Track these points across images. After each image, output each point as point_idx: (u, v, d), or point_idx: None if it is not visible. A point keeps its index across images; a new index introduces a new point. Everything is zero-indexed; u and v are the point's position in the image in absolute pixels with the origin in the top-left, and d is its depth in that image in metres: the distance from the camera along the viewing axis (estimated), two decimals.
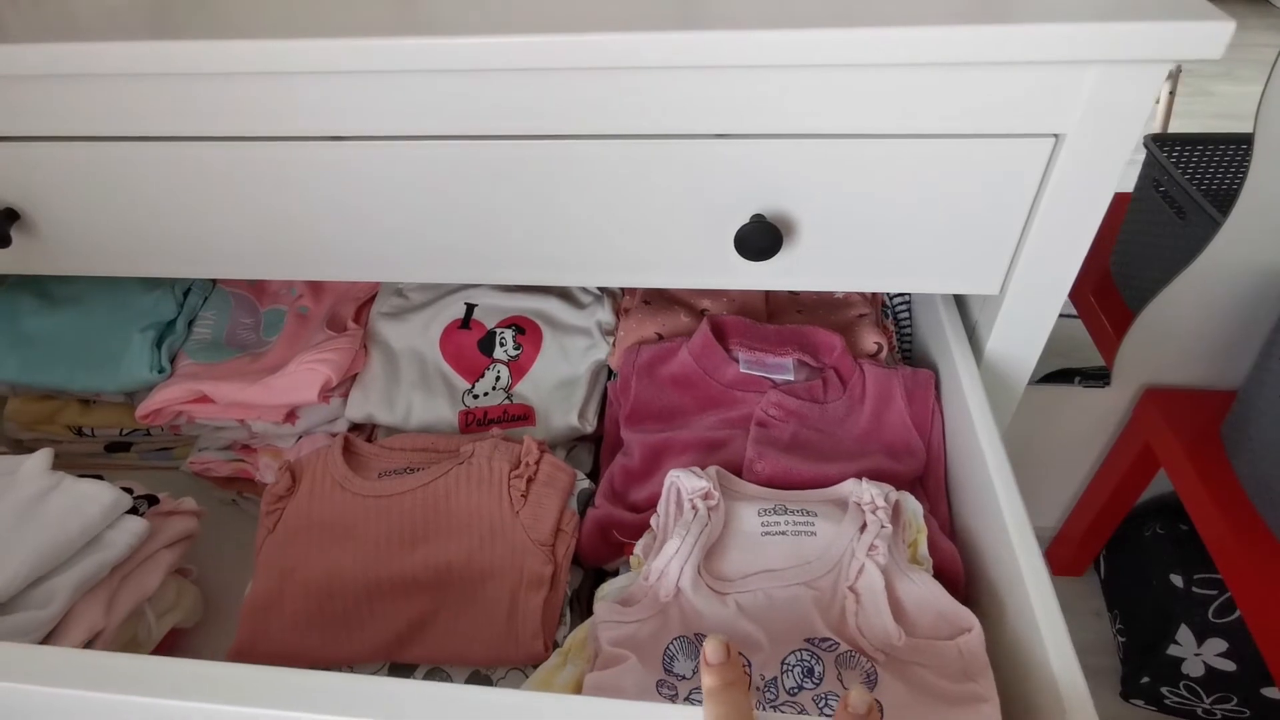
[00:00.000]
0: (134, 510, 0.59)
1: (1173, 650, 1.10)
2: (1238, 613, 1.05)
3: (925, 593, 0.48)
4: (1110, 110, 0.47)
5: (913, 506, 0.53)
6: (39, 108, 0.55)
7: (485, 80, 0.50)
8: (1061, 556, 1.32)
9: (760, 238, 0.53)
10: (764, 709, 0.44)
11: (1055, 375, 1.18)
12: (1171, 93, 1.09)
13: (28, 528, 0.54)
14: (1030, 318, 0.58)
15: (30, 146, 0.57)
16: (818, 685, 0.46)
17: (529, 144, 0.53)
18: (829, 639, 0.47)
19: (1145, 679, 1.14)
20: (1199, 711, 1.14)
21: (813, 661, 0.46)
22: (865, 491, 0.52)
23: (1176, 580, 1.10)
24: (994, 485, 0.51)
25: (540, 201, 0.56)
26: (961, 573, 0.53)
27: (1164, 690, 1.13)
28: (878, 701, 0.44)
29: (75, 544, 0.55)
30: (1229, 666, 1.08)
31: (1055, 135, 0.50)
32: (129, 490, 0.60)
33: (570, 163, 0.54)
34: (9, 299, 0.74)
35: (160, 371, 0.70)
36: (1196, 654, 1.09)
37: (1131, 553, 1.23)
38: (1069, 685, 0.41)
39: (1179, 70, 1.09)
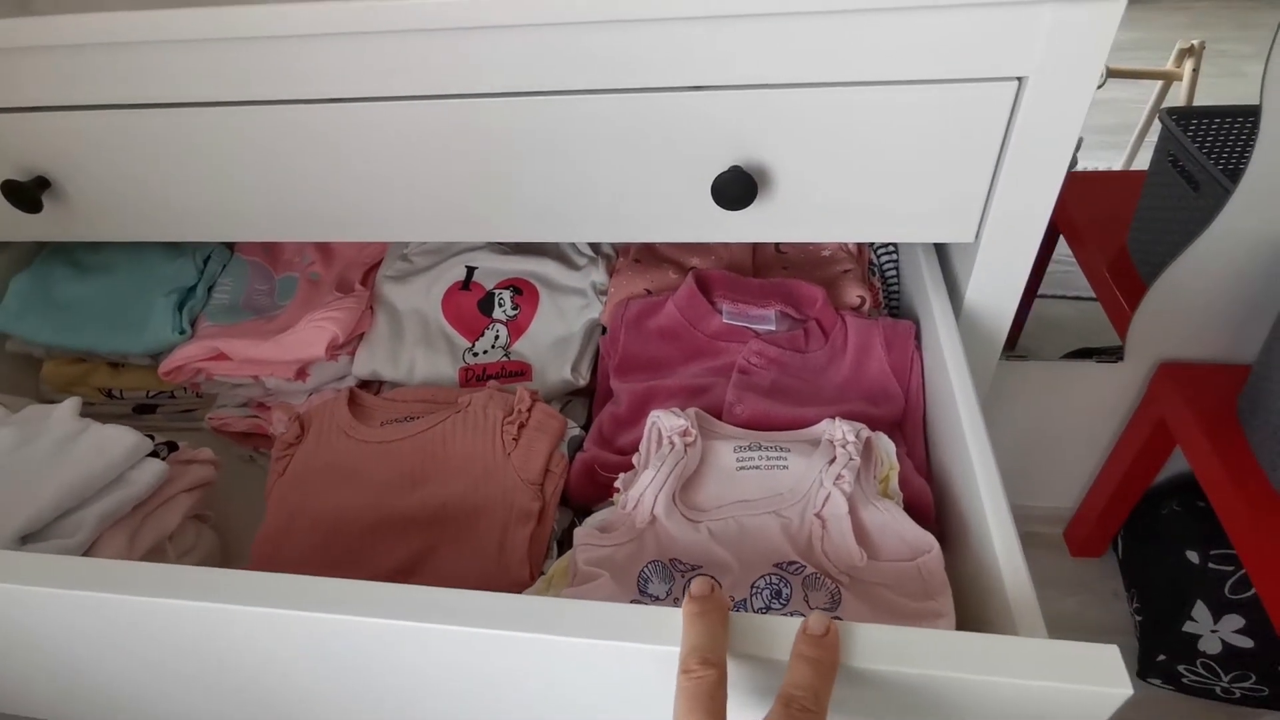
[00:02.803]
0: (154, 454, 0.63)
1: (1189, 627, 1.09)
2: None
3: (888, 519, 0.49)
4: (1070, 49, 0.49)
5: (885, 445, 0.55)
6: (66, 77, 0.59)
7: (470, 39, 0.53)
8: (1079, 537, 1.31)
9: (735, 186, 0.55)
10: None
11: (1073, 355, 1.17)
12: (1195, 69, 1.09)
13: (57, 466, 0.59)
14: (1006, 265, 0.60)
15: (60, 116, 0.62)
16: (785, 606, 0.48)
17: (512, 101, 0.56)
18: (796, 563, 0.49)
19: (1161, 657, 1.13)
20: (1218, 690, 1.12)
21: (780, 584, 0.48)
22: (838, 429, 0.54)
23: (1192, 556, 1.09)
24: (962, 423, 0.52)
25: (526, 158, 0.59)
26: (932, 507, 0.55)
27: (1181, 669, 1.12)
28: (839, 619, 0.46)
29: (100, 481, 0.59)
30: (1246, 643, 1.06)
31: (1018, 78, 0.51)
32: (151, 437, 0.64)
33: (554, 118, 0.56)
34: (43, 268, 0.79)
35: (182, 333, 0.75)
36: (1213, 630, 1.07)
37: (1148, 531, 1.21)
38: (1019, 598, 0.42)
39: (1202, 46, 1.08)
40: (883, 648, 0.37)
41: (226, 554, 0.71)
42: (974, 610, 0.47)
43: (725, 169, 0.57)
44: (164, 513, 0.63)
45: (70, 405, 0.63)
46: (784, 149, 0.56)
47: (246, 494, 0.73)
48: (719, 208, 0.57)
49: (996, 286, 0.61)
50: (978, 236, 0.59)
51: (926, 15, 0.49)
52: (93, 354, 0.79)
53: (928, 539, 0.48)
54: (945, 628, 0.44)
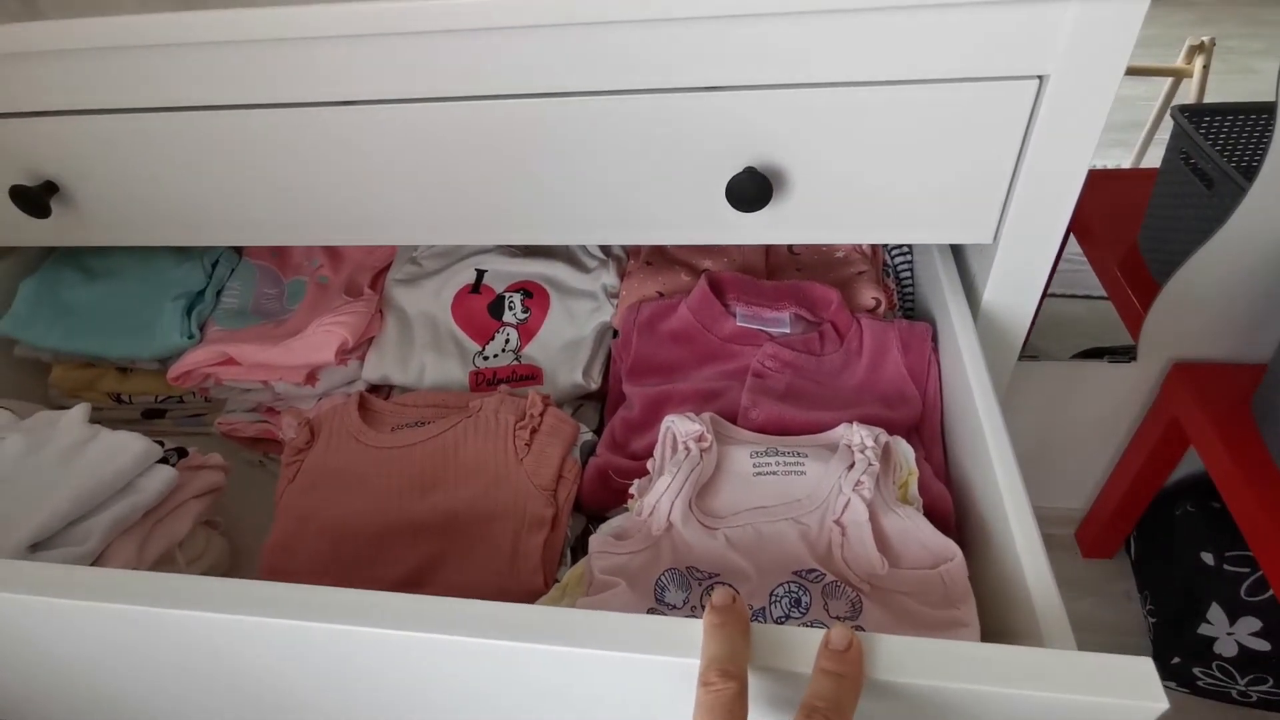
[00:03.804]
0: (164, 460, 0.63)
1: (1204, 629, 1.07)
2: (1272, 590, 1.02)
3: (909, 525, 0.49)
4: (1092, 48, 0.48)
5: (904, 449, 0.54)
6: (72, 82, 0.59)
7: (482, 40, 0.53)
8: (1091, 538, 1.30)
9: (749, 187, 0.54)
10: None
11: (1084, 355, 1.16)
12: (1205, 66, 1.08)
13: (66, 473, 0.58)
14: (1024, 266, 0.59)
15: (66, 120, 0.61)
16: (805, 614, 0.47)
17: (524, 103, 0.55)
18: (815, 570, 0.48)
19: (1176, 659, 1.12)
20: (1234, 693, 1.11)
21: (800, 592, 0.48)
22: (856, 434, 0.53)
23: (1207, 558, 1.08)
24: (982, 427, 0.51)
25: (539, 160, 0.58)
26: (952, 513, 0.54)
27: (1196, 671, 1.11)
28: (860, 628, 0.45)
29: (109, 488, 0.58)
30: (1264, 646, 1.05)
31: (1039, 77, 0.50)
32: (160, 443, 0.63)
33: (566, 120, 0.56)
34: (52, 273, 0.79)
35: (190, 338, 0.74)
36: (1229, 633, 1.06)
37: (1162, 532, 1.20)
38: (1045, 607, 0.41)
39: (1212, 43, 1.07)
40: (907, 660, 0.36)
41: (236, 560, 0.70)
42: (998, 619, 0.46)
43: (739, 170, 0.56)
44: (173, 520, 0.62)
45: (79, 412, 0.63)
46: (799, 150, 0.55)
47: (256, 499, 0.73)
48: (733, 209, 0.57)
49: (1015, 288, 0.60)
50: (996, 237, 0.58)
51: (945, 13, 0.48)
52: (101, 359, 0.78)
53: (950, 546, 0.47)
54: (969, 637, 0.43)
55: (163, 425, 0.82)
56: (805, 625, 0.46)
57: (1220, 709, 1.13)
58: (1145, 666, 0.34)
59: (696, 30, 0.51)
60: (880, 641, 0.36)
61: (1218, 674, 1.10)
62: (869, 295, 0.67)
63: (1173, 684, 1.14)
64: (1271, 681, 1.08)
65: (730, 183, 0.55)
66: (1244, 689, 1.10)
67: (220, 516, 0.70)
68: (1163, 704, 0.32)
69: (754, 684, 0.37)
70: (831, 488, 0.51)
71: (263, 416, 0.75)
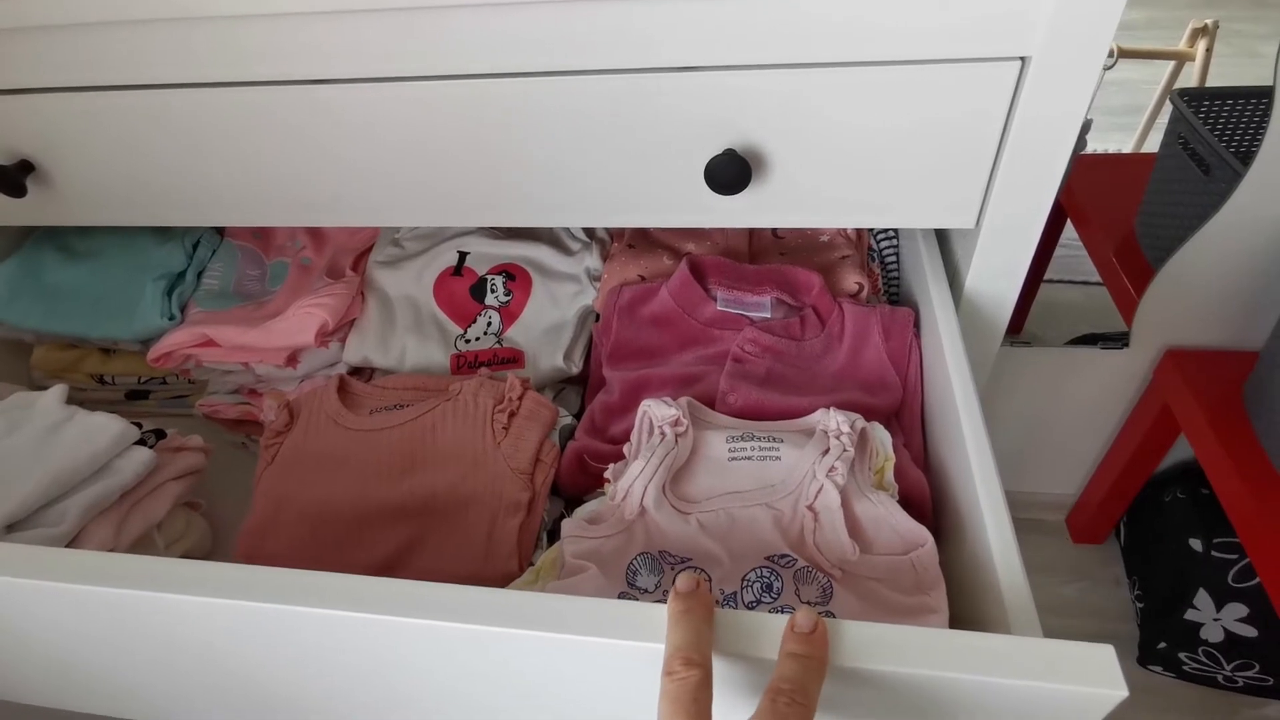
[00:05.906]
0: (142, 442, 0.62)
1: (1190, 615, 1.08)
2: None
3: (882, 512, 0.48)
4: (1075, 29, 0.47)
5: (881, 436, 0.54)
6: (48, 59, 0.58)
7: (459, 18, 0.52)
8: (1082, 523, 1.30)
9: (728, 170, 0.54)
10: None
11: (1078, 341, 1.16)
12: (1208, 49, 1.06)
13: (43, 454, 0.58)
14: (1007, 252, 0.58)
15: (42, 98, 0.60)
16: (776, 599, 0.47)
17: (501, 82, 0.55)
18: (787, 555, 0.48)
19: (1162, 644, 1.12)
20: (1219, 679, 1.12)
21: (771, 577, 0.47)
22: (832, 419, 0.53)
23: (1195, 544, 1.08)
24: (959, 414, 0.51)
25: (518, 141, 0.57)
26: (929, 499, 0.54)
27: (1182, 656, 1.11)
28: (831, 613, 0.45)
29: (86, 470, 0.58)
30: (1250, 632, 1.06)
31: (1021, 58, 0.49)
32: (138, 425, 0.63)
33: (544, 100, 0.55)
34: (33, 254, 0.78)
35: (171, 319, 0.74)
36: (1215, 619, 1.07)
37: (1151, 518, 1.20)
38: (1013, 595, 0.41)
39: (1215, 25, 1.06)
40: (872, 646, 0.36)
41: (218, 542, 0.71)
42: (969, 606, 0.46)
43: (719, 152, 0.55)
44: (151, 501, 0.62)
45: (56, 393, 0.63)
46: (778, 132, 0.54)
47: (240, 481, 0.73)
48: (712, 192, 0.56)
49: (997, 274, 0.60)
50: (979, 223, 0.57)
51: None
52: (83, 340, 0.78)
53: (922, 532, 0.47)
54: (938, 623, 0.43)
55: (146, 406, 0.82)
56: (776, 610, 0.46)
57: (1206, 693, 1.14)
58: (1105, 654, 0.34)
59: (676, 9, 0.50)
60: (845, 627, 0.36)
61: (1204, 659, 1.10)
62: (852, 280, 0.66)
63: (1159, 668, 1.14)
64: (1257, 667, 1.08)
65: (709, 165, 0.55)
66: (1230, 674, 1.10)
67: (203, 498, 0.70)
68: (1121, 691, 0.32)
69: (720, 670, 0.37)
70: (805, 473, 0.50)
71: (245, 398, 0.75)
